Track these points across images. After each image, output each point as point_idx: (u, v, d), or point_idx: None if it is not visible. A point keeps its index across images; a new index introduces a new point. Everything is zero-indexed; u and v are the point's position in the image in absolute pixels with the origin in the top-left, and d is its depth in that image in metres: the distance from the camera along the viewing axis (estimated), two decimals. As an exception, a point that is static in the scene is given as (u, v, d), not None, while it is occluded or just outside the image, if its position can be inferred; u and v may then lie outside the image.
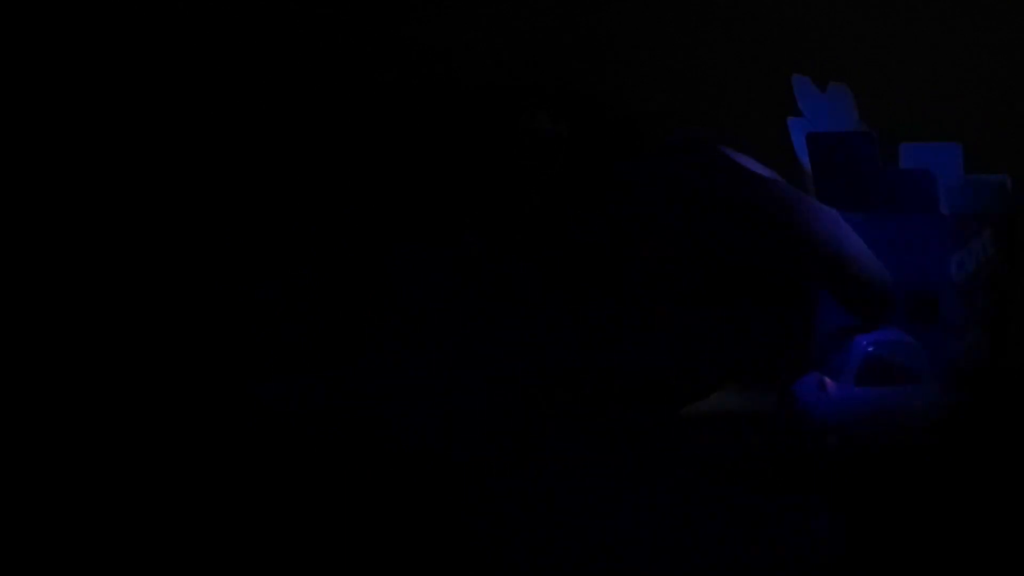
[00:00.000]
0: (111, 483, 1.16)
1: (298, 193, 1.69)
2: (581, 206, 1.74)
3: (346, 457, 1.26)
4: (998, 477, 1.23)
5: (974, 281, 1.53)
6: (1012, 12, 1.58)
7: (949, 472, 1.24)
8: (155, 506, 1.10)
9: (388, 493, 1.17)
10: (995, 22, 1.60)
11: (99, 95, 1.62)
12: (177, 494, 1.13)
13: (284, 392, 1.47)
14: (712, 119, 1.78)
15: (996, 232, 1.57)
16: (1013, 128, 1.56)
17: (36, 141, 1.59)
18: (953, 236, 1.50)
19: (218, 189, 1.65)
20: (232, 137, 1.67)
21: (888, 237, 1.53)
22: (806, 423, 1.29)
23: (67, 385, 1.44)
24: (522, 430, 1.36)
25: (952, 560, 1.03)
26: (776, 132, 1.75)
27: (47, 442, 1.27)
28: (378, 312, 1.70)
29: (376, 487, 1.18)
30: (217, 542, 1.03)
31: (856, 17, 1.68)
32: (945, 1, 1.61)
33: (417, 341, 1.65)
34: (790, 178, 1.73)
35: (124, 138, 1.63)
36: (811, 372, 1.33)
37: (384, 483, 1.19)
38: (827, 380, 1.31)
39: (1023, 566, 1.02)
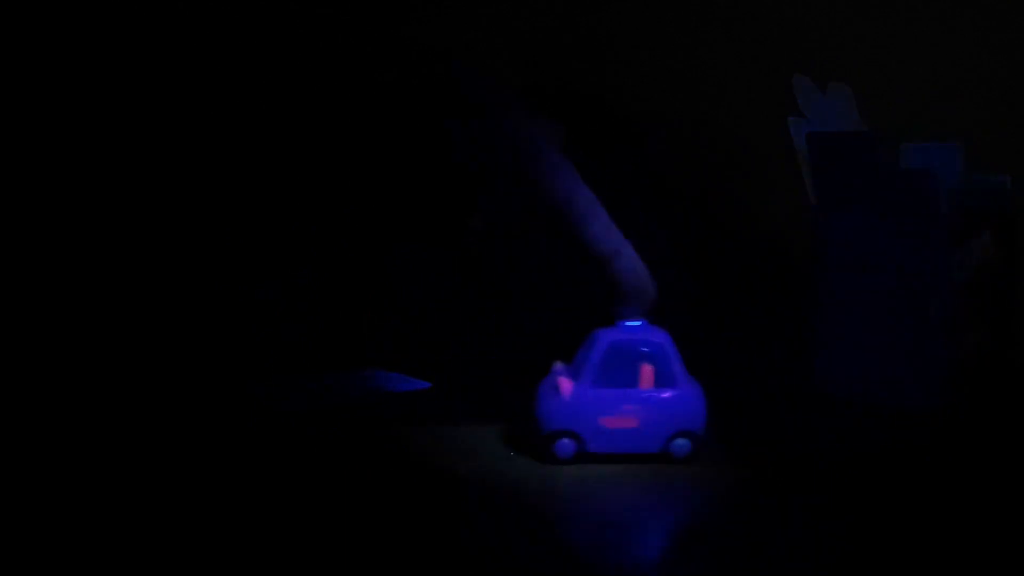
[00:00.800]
0: (111, 481, 1.16)
1: (298, 193, 1.69)
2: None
3: (345, 457, 1.26)
4: (998, 477, 1.23)
5: (974, 281, 1.54)
6: (1012, 12, 1.58)
7: (949, 472, 1.24)
8: (155, 504, 1.10)
9: (387, 492, 1.17)
10: (995, 22, 1.60)
11: (99, 95, 1.62)
12: (177, 492, 1.13)
13: (284, 392, 1.47)
14: (712, 119, 1.78)
15: (996, 232, 1.57)
16: (1013, 128, 1.56)
17: (36, 141, 1.59)
18: (953, 236, 1.51)
19: (218, 190, 1.66)
20: (232, 137, 1.67)
21: (888, 237, 1.53)
22: (540, 425, 1.26)
23: (68, 384, 1.44)
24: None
25: (952, 560, 1.03)
26: (776, 132, 1.75)
27: (47, 441, 1.27)
28: (378, 312, 1.70)
29: (375, 486, 1.18)
30: (217, 540, 1.03)
31: (856, 17, 1.68)
32: (945, 1, 1.61)
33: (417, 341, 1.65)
34: (790, 176, 1.74)
35: (124, 138, 1.63)
36: (557, 372, 1.29)
37: (383, 482, 1.19)
38: (563, 381, 1.27)
39: (1023, 566, 1.02)
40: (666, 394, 1.26)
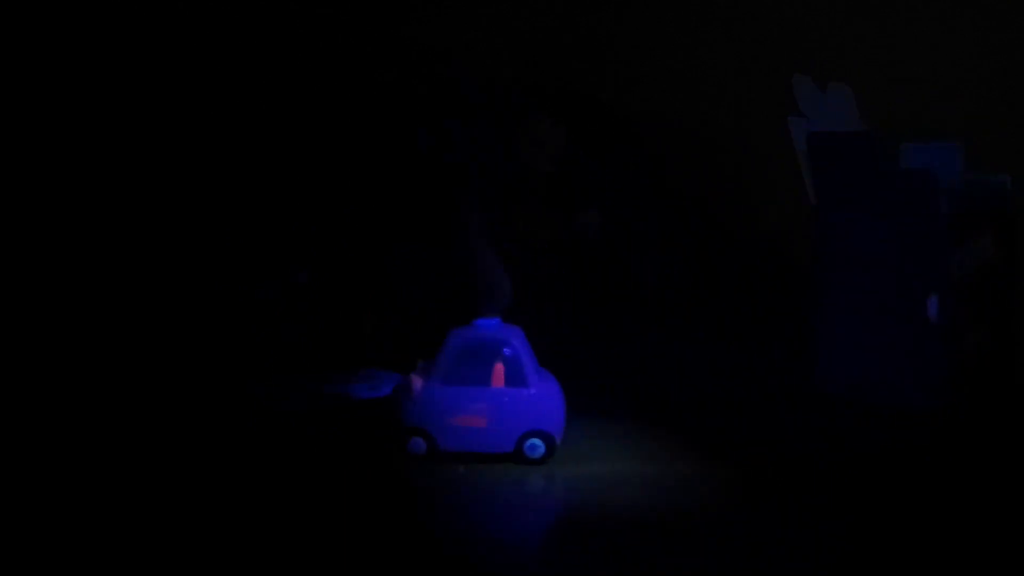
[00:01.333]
0: (111, 481, 1.16)
1: (298, 193, 1.69)
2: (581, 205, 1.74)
3: (345, 457, 1.26)
4: (998, 477, 1.23)
5: (974, 281, 1.54)
6: (1012, 12, 1.58)
7: (949, 472, 1.24)
8: (155, 504, 1.10)
9: (386, 492, 1.17)
10: (995, 22, 1.60)
11: (99, 95, 1.62)
12: (177, 492, 1.13)
13: (284, 392, 1.47)
14: (712, 119, 1.78)
15: (996, 232, 1.57)
16: (1013, 128, 1.56)
17: (36, 141, 1.59)
18: (953, 236, 1.51)
19: (218, 190, 1.66)
20: (232, 137, 1.67)
21: (888, 237, 1.53)
22: (394, 422, 1.25)
23: (68, 384, 1.44)
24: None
25: (952, 560, 1.03)
26: (776, 132, 1.75)
27: (47, 441, 1.27)
28: (378, 312, 1.70)
29: (374, 487, 1.18)
30: (217, 540, 1.03)
31: (856, 17, 1.68)
32: (945, 1, 1.61)
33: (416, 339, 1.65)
34: (790, 176, 1.74)
35: (124, 138, 1.63)
36: (416, 370, 1.27)
37: (382, 482, 1.19)
38: (415, 378, 1.25)
39: (1023, 566, 1.02)
40: (515, 393, 1.23)
